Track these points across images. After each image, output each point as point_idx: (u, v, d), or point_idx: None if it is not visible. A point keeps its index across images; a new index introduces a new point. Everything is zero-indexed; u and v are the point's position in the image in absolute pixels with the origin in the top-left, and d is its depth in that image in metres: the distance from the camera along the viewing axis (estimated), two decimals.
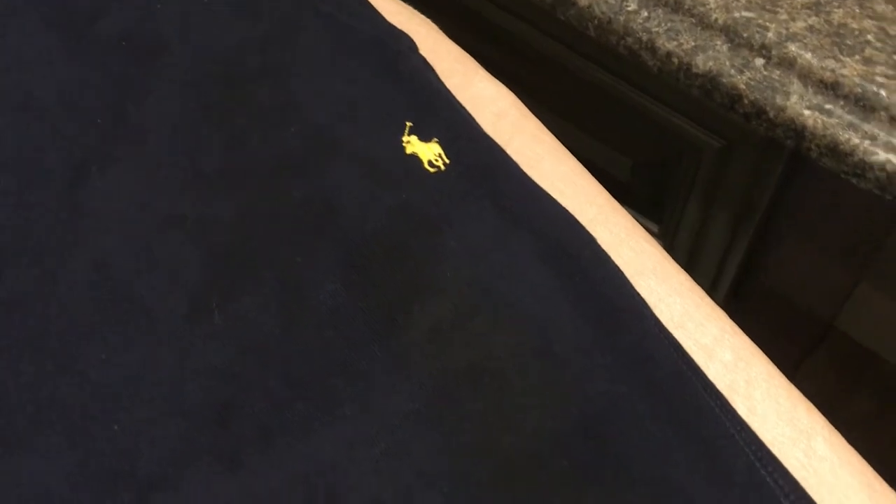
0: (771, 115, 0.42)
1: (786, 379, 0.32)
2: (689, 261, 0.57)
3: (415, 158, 0.37)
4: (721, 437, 0.30)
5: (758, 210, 0.51)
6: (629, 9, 0.45)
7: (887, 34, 0.42)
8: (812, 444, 0.31)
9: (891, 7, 0.43)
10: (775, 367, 0.33)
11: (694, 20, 0.44)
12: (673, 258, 0.37)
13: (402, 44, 0.41)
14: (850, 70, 0.41)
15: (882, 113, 0.40)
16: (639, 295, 0.33)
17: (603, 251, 0.34)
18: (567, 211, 0.36)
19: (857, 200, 0.65)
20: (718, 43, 0.43)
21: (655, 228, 0.58)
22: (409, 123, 0.38)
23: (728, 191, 0.51)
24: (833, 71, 0.41)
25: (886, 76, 0.40)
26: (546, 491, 0.29)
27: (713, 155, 0.50)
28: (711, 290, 0.59)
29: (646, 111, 0.52)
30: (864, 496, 0.29)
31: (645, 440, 0.30)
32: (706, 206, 0.53)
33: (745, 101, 0.43)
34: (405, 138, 0.38)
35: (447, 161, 0.37)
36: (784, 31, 0.42)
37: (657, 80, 0.47)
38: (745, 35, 0.43)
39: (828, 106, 0.41)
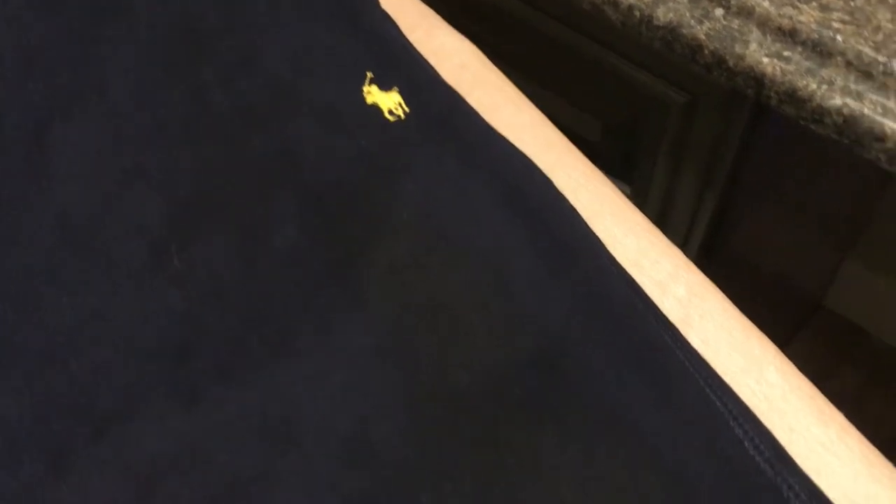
0: (730, 63, 0.42)
1: (739, 312, 0.33)
2: (659, 222, 0.58)
3: (375, 108, 0.38)
4: (672, 366, 0.30)
5: (724, 167, 0.51)
6: None
7: None
8: (763, 373, 0.31)
9: None
10: (729, 302, 0.33)
11: None
12: None
13: None
14: (807, 17, 0.41)
15: (839, 58, 0.41)
16: (593, 234, 0.34)
17: (559, 193, 0.35)
18: (525, 155, 0.36)
19: (825, 164, 0.66)
20: None
21: (627, 190, 0.59)
22: (369, 74, 0.39)
23: (695, 148, 0.52)
24: (790, 18, 0.41)
25: (843, 21, 0.41)
26: (500, 422, 0.29)
27: (679, 110, 0.50)
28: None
29: (612, 69, 0.52)
30: (812, 419, 0.30)
31: (598, 371, 0.30)
32: (674, 165, 0.54)
33: (706, 52, 0.43)
34: (366, 89, 0.38)
35: (407, 110, 0.38)
36: None
37: (621, 36, 0.48)
38: None
39: (786, 53, 0.41)
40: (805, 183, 0.69)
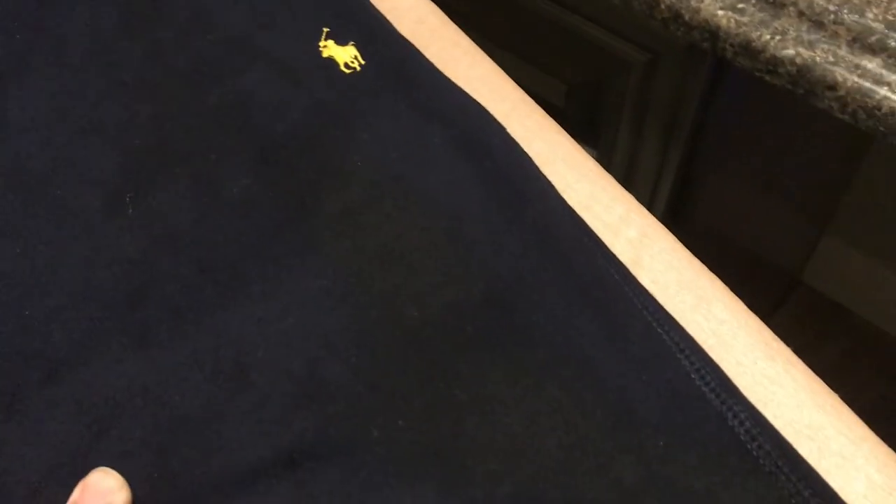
0: (686, 17, 0.43)
1: (689, 252, 0.33)
2: (624, 186, 0.58)
3: (331, 61, 0.38)
4: (620, 302, 0.30)
5: (686, 125, 0.52)
6: None
7: None
8: (712, 309, 0.31)
9: None
10: (679, 243, 0.33)
11: None
12: None
13: None
14: None
15: (791, 8, 0.41)
16: (545, 178, 0.34)
17: (512, 139, 0.35)
18: (479, 104, 0.36)
19: (791, 129, 0.66)
20: None
21: (593, 154, 0.59)
22: (325, 29, 0.39)
23: (657, 107, 0.52)
24: None
25: None
26: (451, 358, 0.30)
27: (640, 70, 0.50)
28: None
29: (574, 30, 0.52)
30: (759, 353, 0.30)
31: (548, 308, 0.30)
32: (638, 126, 0.54)
33: (663, 7, 0.43)
34: (322, 43, 0.39)
35: (363, 62, 0.38)
36: None
37: None
38: None
39: (740, 5, 0.42)
40: (774, 150, 0.69)
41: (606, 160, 0.57)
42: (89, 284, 0.31)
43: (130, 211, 0.33)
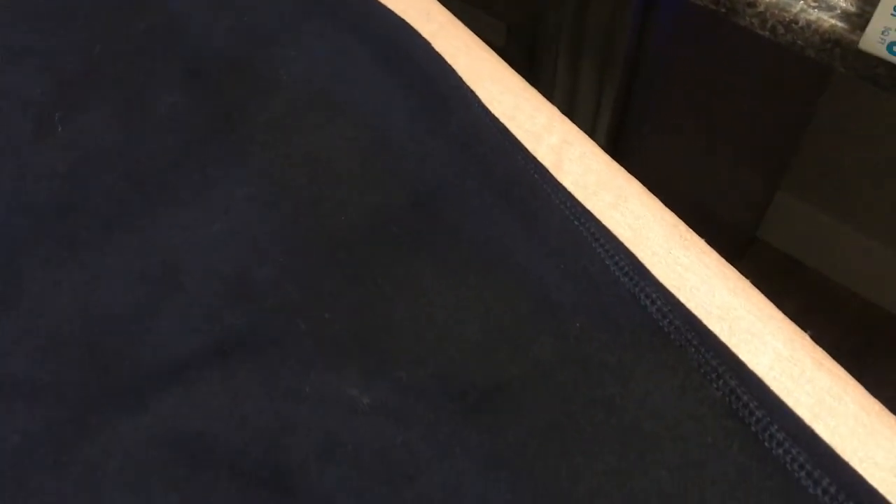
0: None
1: (608, 156, 0.34)
2: None
3: None
4: (539, 199, 0.31)
5: (620, 56, 0.53)
6: None
7: None
8: (629, 206, 0.33)
9: None
10: (598, 147, 0.35)
11: None
12: None
13: None
14: None
15: None
16: (469, 88, 0.35)
17: (437, 53, 0.36)
18: (405, 22, 0.37)
19: (728, 68, 0.68)
20: None
21: None
22: None
23: (591, 40, 0.53)
24: None
25: None
26: (377, 258, 0.30)
27: (573, 2, 0.51)
28: None
29: None
30: (674, 244, 0.32)
31: (472, 209, 0.31)
32: (575, 60, 0.55)
33: None
34: None
35: None
36: None
37: None
38: None
39: None
40: (715, 85, 0.71)
41: (548, 97, 0.58)
42: (20, 198, 0.32)
43: (59, 130, 0.34)
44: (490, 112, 0.34)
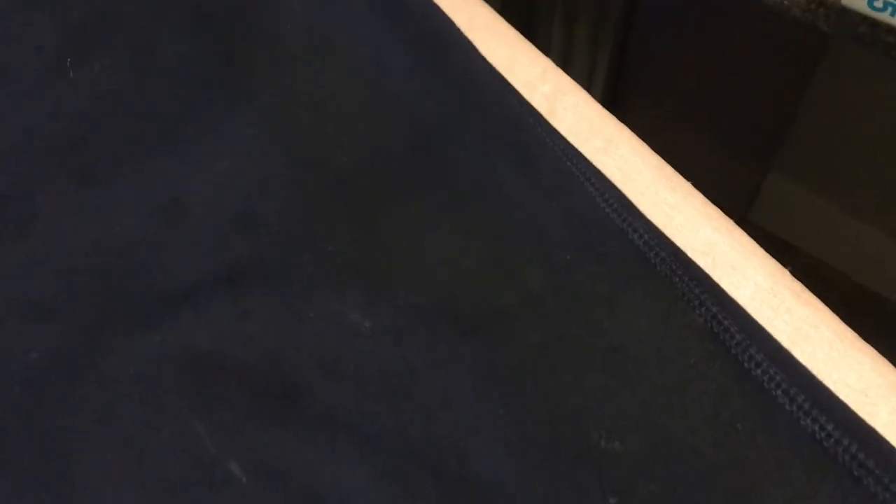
0: None
1: (600, 106, 0.36)
2: None
3: None
4: (533, 141, 0.33)
5: (611, 26, 0.54)
6: None
7: None
8: (619, 151, 0.34)
9: None
10: (590, 96, 0.36)
11: None
12: None
13: None
14: None
15: None
16: (467, 38, 0.36)
17: (434, 4, 0.37)
18: None
19: (721, 45, 0.69)
20: None
21: None
22: None
23: (585, 7, 0.54)
24: None
25: None
26: (377, 193, 0.32)
27: None
28: None
29: None
30: (661, 185, 0.33)
31: (466, 148, 0.33)
32: (568, 26, 0.56)
33: None
34: None
35: None
36: None
37: None
38: None
39: None
40: (708, 51, 0.72)
41: None
42: (33, 133, 0.33)
43: (71, 74, 0.35)
44: (487, 60, 0.36)
